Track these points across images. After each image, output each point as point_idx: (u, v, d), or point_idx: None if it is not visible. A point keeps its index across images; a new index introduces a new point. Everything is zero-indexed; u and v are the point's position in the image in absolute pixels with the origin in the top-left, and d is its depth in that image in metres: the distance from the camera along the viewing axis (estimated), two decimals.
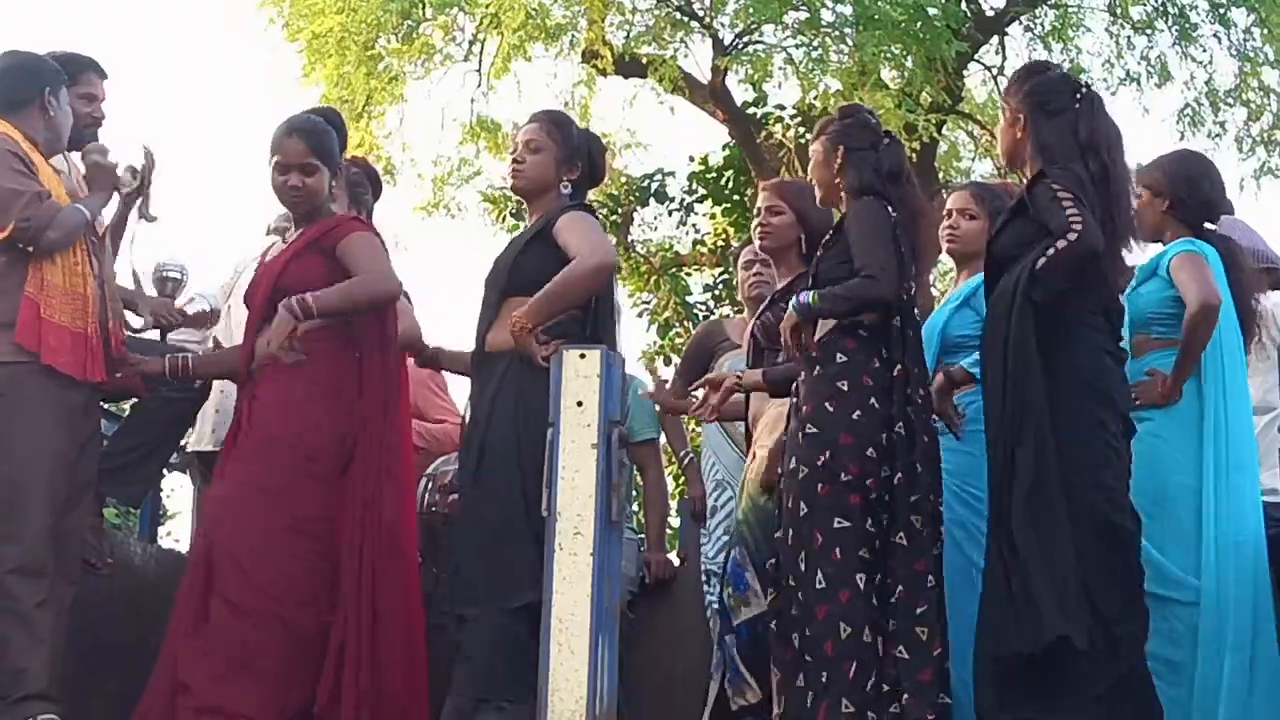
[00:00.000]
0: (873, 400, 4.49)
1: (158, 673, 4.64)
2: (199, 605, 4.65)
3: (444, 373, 6.08)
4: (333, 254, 4.83)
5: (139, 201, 5.18)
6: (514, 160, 5.03)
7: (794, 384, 4.67)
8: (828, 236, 4.79)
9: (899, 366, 4.54)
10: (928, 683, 4.33)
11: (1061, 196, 4.30)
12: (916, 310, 4.70)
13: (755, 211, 5.43)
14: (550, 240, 4.80)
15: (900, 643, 4.37)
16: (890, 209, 4.65)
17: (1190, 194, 4.89)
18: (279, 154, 4.91)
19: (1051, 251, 4.25)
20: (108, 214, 5.17)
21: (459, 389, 6.16)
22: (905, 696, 4.32)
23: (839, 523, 4.41)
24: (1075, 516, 4.20)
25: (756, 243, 5.42)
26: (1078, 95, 4.57)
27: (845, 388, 4.51)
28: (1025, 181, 4.57)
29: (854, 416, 4.47)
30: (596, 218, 5.03)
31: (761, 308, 5.25)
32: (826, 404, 4.51)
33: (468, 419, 4.87)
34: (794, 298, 4.67)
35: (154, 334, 5.48)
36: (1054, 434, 4.24)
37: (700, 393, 5.14)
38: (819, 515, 4.43)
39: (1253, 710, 4.35)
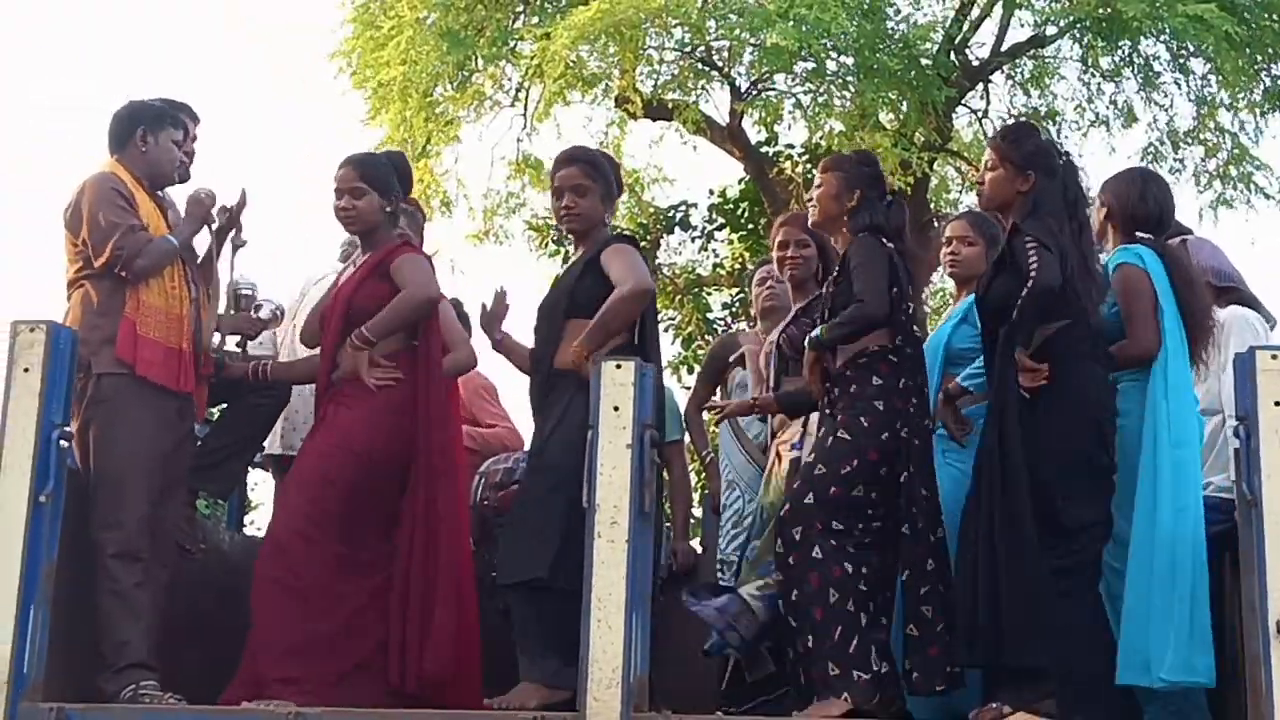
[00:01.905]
0: (898, 423, 4.50)
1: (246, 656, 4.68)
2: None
3: (494, 382, 6.13)
4: (389, 275, 4.89)
5: (231, 233, 5.20)
6: (565, 207, 4.97)
7: (826, 397, 4.65)
8: (836, 272, 4.79)
9: (900, 379, 4.55)
10: (935, 656, 4.35)
11: (1029, 247, 4.36)
12: (916, 328, 4.70)
13: (779, 245, 5.41)
14: (599, 268, 4.81)
15: (910, 622, 4.39)
16: (884, 241, 4.66)
17: (1122, 204, 4.82)
18: (335, 182, 5.01)
19: (1019, 302, 4.32)
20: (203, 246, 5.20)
21: (508, 397, 6.18)
22: (915, 674, 4.34)
23: (836, 524, 4.43)
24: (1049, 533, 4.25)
25: (786, 274, 5.41)
26: (1061, 159, 4.60)
27: (881, 408, 4.51)
28: (1006, 231, 4.59)
29: (883, 437, 4.48)
30: (638, 246, 5.03)
31: (785, 323, 5.26)
32: (862, 419, 4.51)
33: (534, 428, 4.90)
34: (807, 336, 4.67)
35: (232, 345, 5.50)
36: (1045, 457, 4.27)
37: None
38: (825, 509, 4.43)
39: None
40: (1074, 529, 4.32)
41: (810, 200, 4.90)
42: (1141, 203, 4.82)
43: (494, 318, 5.14)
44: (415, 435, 4.79)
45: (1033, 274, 4.29)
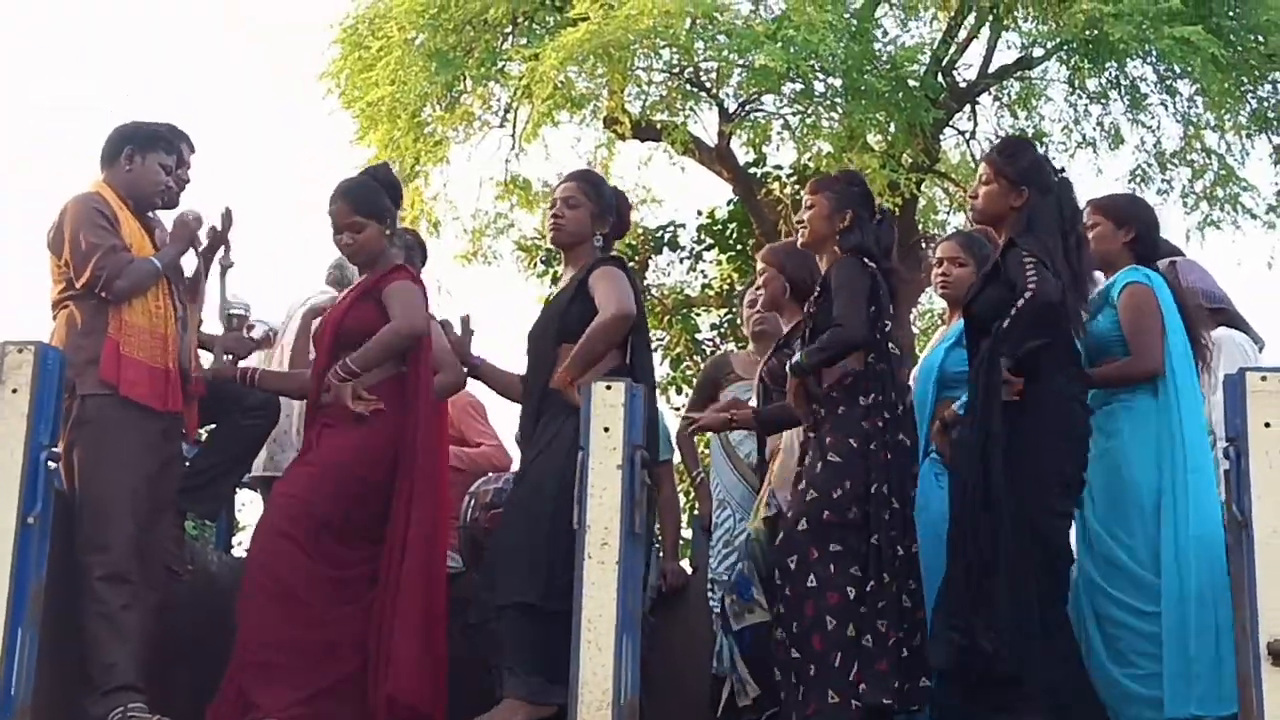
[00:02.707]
0: (871, 440, 4.49)
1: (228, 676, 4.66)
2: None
3: (482, 401, 6.12)
4: (380, 300, 4.87)
5: (220, 253, 5.19)
6: (554, 216, 5.01)
7: (814, 418, 4.62)
8: (817, 292, 4.78)
9: (873, 395, 4.54)
10: (884, 671, 4.31)
11: (1026, 261, 4.36)
12: (892, 345, 4.69)
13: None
14: (588, 292, 4.82)
15: (866, 633, 4.36)
16: (867, 262, 4.66)
17: (1151, 231, 4.85)
18: (331, 218, 4.99)
19: (1013, 311, 4.31)
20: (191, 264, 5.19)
21: (497, 417, 6.18)
22: (862, 686, 4.30)
23: (834, 547, 4.41)
24: (1028, 546, 4.25)
25: (750, 296, 5.49)
26: (1056, 175, 4.60)
27: (867, 428, 4.50)
28: (1001, 246, 4.59)
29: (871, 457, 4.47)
30: (625, 268, 5.01)
31: (768, 354, 5.26)
32: (851, 440, 4.49)
33: (523, 452, 4.90)
34: (788, 362, 4.67)
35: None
36: (1019, 470, 4.27)
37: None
38: (818, 535, 4.42)
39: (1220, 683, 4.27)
40: (1047, 541, 4.31)
41: (801, 222, 4.90)
42: (1159, 231, 4.88)
43: (464, 343, 5.16)
44: (401, 460, 4.77)
45: (1031, 286, 4.28)
